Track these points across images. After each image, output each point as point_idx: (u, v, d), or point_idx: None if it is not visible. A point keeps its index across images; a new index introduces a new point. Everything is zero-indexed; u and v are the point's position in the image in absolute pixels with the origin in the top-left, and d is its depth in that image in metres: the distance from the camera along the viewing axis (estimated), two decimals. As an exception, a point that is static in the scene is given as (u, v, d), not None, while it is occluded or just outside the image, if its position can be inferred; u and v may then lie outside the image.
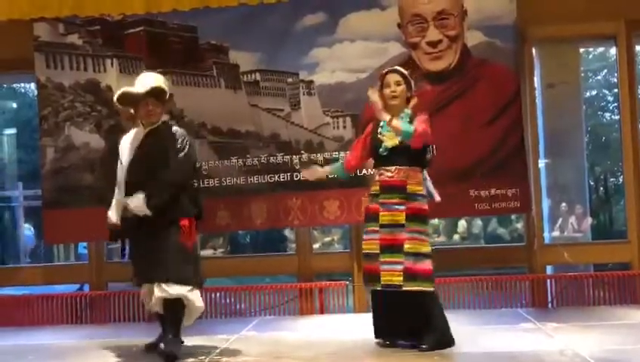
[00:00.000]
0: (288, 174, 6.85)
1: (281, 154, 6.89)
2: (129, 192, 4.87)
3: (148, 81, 4.94)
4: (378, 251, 4.77)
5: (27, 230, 13.17)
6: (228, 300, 7.18)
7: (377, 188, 4.83)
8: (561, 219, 10.20)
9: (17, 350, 5.68)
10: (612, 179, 16.97)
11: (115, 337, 6.00)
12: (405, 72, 4.93)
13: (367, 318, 6.55)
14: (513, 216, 11.49)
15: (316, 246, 8.95)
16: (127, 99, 4.98)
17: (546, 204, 7.92)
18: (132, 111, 5.05)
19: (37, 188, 8.75)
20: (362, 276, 5.08)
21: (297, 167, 6.82)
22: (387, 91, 4.85)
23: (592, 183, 15.65)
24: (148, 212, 4.76)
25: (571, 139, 9.98)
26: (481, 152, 6.59)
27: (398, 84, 4.83)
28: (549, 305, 6.79)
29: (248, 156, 6.92)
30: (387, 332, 4.92)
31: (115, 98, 5.02)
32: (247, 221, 6.98)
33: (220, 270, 7.33)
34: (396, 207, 4.72)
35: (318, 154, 6.82)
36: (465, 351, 4.72)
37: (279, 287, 7.23)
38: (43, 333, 6.52)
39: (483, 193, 6.53)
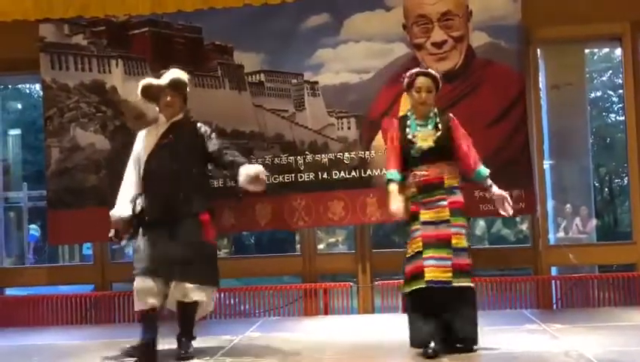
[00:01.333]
0: (293, 175, 6.85)
1: (286, 155, 6.89)
2: (152, 182, 4.84)
3: (170, 74, 4.96)
4: (421, 249, 4.50)
5: (33, 230, 13.20)
6: (232, 301, 7.19)
7: (415, 189, 4.60)
8: (565, 221, 10.18)
9: (22, 350, 5.69)
10: (617, 181, 16.95)
11: (119, 338, 6.01)
12: (438, 75, 4.73)
13: (371, 319, 6.57)
14: (518, 218, 11.46)
15: (321, 246, 8.94)
16: (148, 91, 4.97)
17: (550, 205, 7.91)
18: (155, 106, 5.03)
19: (42, 189, 8.78)
20: (405, 279, 4.62)
21: (302, 168, 6.82)
22: (417, 96, 4.64)
23: (596, 184, 15.63)
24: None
25: (576, 140, 9.97)
26: (485, 153, 6.48)
27: (429, 90, 4.63)
28: (554, 306, 6.78)
29: (253, 157, 6.90)
30: (433, 337, 4.50)
31: (138, 90, 4.99)
32: (251, 222, 6.98)
33: (224, 271, 7.28)
34: (439, 203, 4.55)
35: (323, 155, 6.82)
36: (470, 352, 4.71)
37: (284, 288, 7.24)
38: (48, 334, 6.53)
39: (488, 194, 6.50)
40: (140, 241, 4.87)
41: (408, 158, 4.65)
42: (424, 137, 4.61)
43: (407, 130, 4.66)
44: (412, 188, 4.62)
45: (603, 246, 8.41)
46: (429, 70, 4.79)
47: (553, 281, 6.89)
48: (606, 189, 17.15)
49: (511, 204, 4.74)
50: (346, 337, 5.61)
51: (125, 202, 4.93)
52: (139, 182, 4.95)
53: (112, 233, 5.04)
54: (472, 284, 4.57)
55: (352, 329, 6.03)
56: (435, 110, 4.70)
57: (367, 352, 4.91)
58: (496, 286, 6.83)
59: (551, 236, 7.61)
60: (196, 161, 4.94)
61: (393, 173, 4.64)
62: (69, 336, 6.30)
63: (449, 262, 4.47)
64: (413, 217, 4.61)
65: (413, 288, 4.51)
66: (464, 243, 4.56)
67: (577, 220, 10.16)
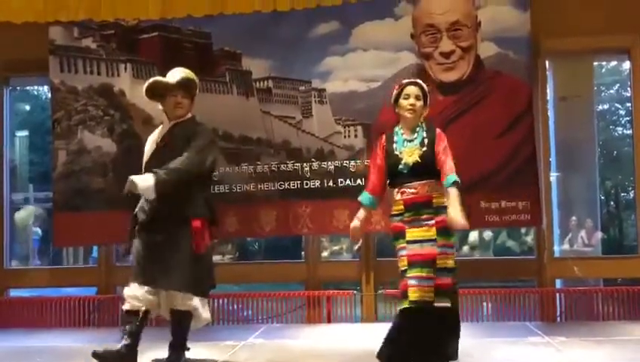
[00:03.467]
0: (298, 182, 6.86)
1: (292, 161, 6.90)
2: None
3: (178, 73, 4.86)
4: (406, 267, 4.44)
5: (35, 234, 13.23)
6: (235, 307, 7.19)
7: (401, 207, 4.52)
8: (571, 233, 10.16)
9: (25, 351, 5.71)
10: (623, 194, 16.88)
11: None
12: (426, 87, 4.70)
13: (375, 328, 6.54)
14: (523, 229, 11.43)
15: (325, 254, 8.93)
16: (156, 89, 4.84)
17: (556, 217, 7.89)
18: (159, 105, 4.92)
19: (48, 191, 8.80)
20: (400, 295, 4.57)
21: (308, 175, 6.83)
22: (405, 103, 4.59)
23: (602, 197, 15.57)
24: (153, 195, 4.52)
25: (583, 153, 9.96)
26: (492, 164, 6.58)
27: (418, 98, 4.60)
28: (558, 319, 6.76)
29: (259, 163, 6.93)
30: (405, 358, 4.49)
31: (144, 88, 4.87)
32: (256, 228, 6.98)
33: (227, 276, 7.32)
34: (426, 222, 4.46)
35: (329, 163, 6.83)
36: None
37: (287, 295, 7.24)
38: (51, 335, 6.54)
39: (493, 205, 6.51)
40: (134, 244, 4.77)
41: (395, 174, 4.58)
42: (410, 152, 4.55)
43: (394, 145, 4.61)
44: (398, 205, 4.55)
45: (608, 260, 8.37)
46: (418, 80, 4.75)
47: (557, 294, 6.87)
48: (612, 202, 17.09)
49: (461, 222, 4.43)
50: (349, 345, 5.60)
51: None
52: None
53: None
54: (449, 305, 4.48)
55: (355, 338, 6.02)
56: (423, 124, 4.64)
57: (370, 361, 4.89)
58: (500, 298, 6.82)
59: (556, 248, 7.59)
60: None
61: (364, 197, 4.62)
62: (72, 339, 6.32)
63: (432, 282, 4.41)
64: (399, 235, 4.53)
65: (401, 307, 4.47)
66: (450, 263, 4.50)
67: (582, 233, 10.13)
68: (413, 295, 4.39)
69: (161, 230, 4.64)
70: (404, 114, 4.61)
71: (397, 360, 4.53)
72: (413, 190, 4.52)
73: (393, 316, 4.62)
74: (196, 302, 4.69)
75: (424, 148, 4.55)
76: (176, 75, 4.86)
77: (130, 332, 4.66)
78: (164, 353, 4.84)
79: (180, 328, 4.75)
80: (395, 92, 4.66)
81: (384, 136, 4.69)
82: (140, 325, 4.69)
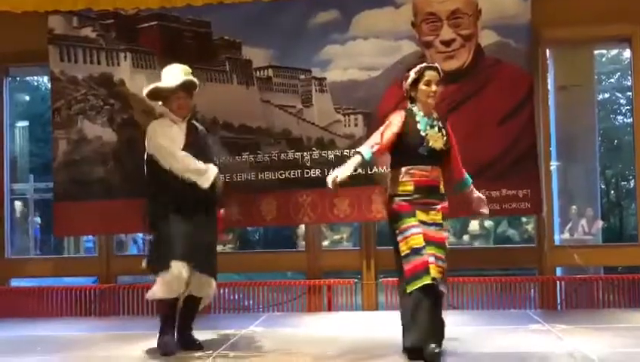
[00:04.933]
0: (299, 171, 6.84)
1: (292, 150, 6.88)
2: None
3: (178, 74, 4.90)
4: (423, 244, 4.34)
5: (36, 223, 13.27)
6: (236, 296, 7.19)
7: (410, 188, 4.45)
8: (571, 222, 10.16)
9: (27, 340, 5.72)
10: (623, 183, 16.89)
11: (122, 330, 6.03)
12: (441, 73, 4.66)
13: (375, 316, 6.57)
14: (524, 218, 11.44)
15: (325, 243, 8.94)
16: (158, 94, 4.96)
17: (556, 206, 7.88)
18: (160, 104, 5.01)
19: (48, 181, 8.79)
20: (407, 278, 4.37)
21: (308, 164, 6.82)
22: (426, 89, 4.53)
23: (603, 186, 15.58)
24: (207, 185, 4.79)
25: (583, 142, 9.97)
26: (492, 153, 6.57)
27: (437, 84, 4.56)
28: (559, 306, 6.77)
29: (259, 152, 6.92)
30: (436, 336, 4.39)
31: (145, 93, 4.99)
32: (257, 217, 6.98)
33: (229, 266, 7.32)
34: (434, 206, 4.46)
35: (329, 152, 6.82)
36: (473, 352, 4.71)
37: (288, 284, 7.25)
38: (52, 325, 6.55)
39: (494, 193, 6.50)
40: (174, 226, 4.77)
41: (409, 154, 4.48)
42: (435, 138, 4.52)
43: (418, 125, 4.53)
44: (407, 186, 4.49)
45: (609, 248, 8.38)
46: (437, 65, 4.70)
47: (558, 282, 6.87)
48: (612, 191, 17.10)
49: (486, 204, 4.77)
50: (350, 333, 5.61)
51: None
52: None
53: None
54: (445, 291, 4.50)
55: (356, 326, 6.03)
56: (434, 112, 4.63)
57: (371, 349, 4.90)
58: (500, 287, 6.82)
59: (556, 237, 7.59)
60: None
61: (366, 151, 4.41)
62: (73, 328, 6.32)
63: (445, 264, 4.42)
64: (406, 214, 4.44)
65: (419, 285, 4.32)
66: (446, 248, 4.54)
67: (583, 221, 10.14)
68: (434, 271, 4.32)
69: (204, 216, 4.86)
70: (425, 100, 4.56)
71: (419, 342, 4.38)
72: (425, 173, 4.49)
73: (402, 298, 4.47)
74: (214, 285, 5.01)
75: (445, 138, 4.56)
76: (176, 76, 4.90)
77: (169, 319, 4.89)
78: (153, 343, 4.93)
79: (195, 312, 5.03)
80: (412, 75, 4.57)
81: (404, 111, 4.60)
82: (175, 310, 4.93)
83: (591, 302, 6.72)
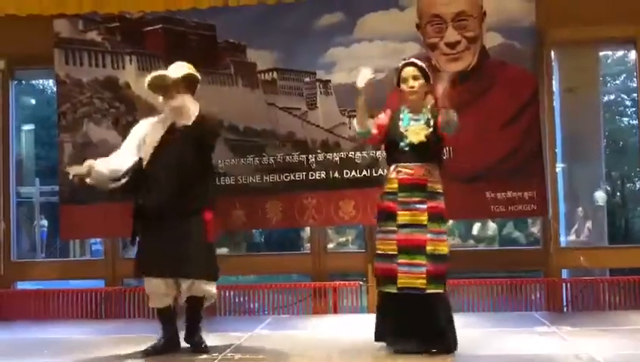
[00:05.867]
0: (304, 173, 6.85)
1: (297, 153, 6.88)
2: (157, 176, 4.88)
3: (181, 68, 4.92)
4: (395, 252, 4.50)
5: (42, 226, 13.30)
6: (241, 298, 7.19)
7: (395, 186, 4.55)
8: (577, 224, 10.13)
9: (33, 343, 5.74)
10: (629, 185, 16.85)
11: (129, 333, 6.04)
12: (423, 64, 4.67)
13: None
14: (529, 220, 11.41)
15: (331, 246, 8.93)
16: (159, 81, 4.89)
17: (562, 208, 7.87)
18: (160, 98, 4.98)
19: (54, 185, 8.80)
20: (375, 277, 4.80)
21: (313, 167, 6.83)
22: (405, 87, 4.61)
23: (608, 188, 15.54)
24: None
25: (589, 144, 9.92)
26: (498, 155, 6.56)
27: (415, 78, 4.58)
28: (564, 308, 6.75)
29: (264, 155, 6.92)
30: (393, 335, 4.68)
31: (147, 80, 4.93)
32: (262, 220, 6.98)
33: (233, 268, 7.34)
34: (417, 206, 4.48)
35: (334, 154, 6.82)
36: (479, 354, 4.71)
37: (293, 286, 7.25)
38: (58, 327, 6.56)
39: (500, 195, 6.50)
40: (143, 238, 4.91)
41: (394, 152, 4.60)
42: (416, 131, 4.55)
43: (400, 122, 4.61)
44: (392, 184, 4.57)
45: (614, 250, 8.35)
46: (413, 59, 4.76)
47: (564, 284, 6.86)
48: (618, 193, 17.05)
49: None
50: (355, 336, 5.60)
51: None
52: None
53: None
54: (441, 291, 4.52)
55: (361, 328, 6.01)
56: (429, 106, 4.64)
57: (376, 351, 4.90)
58: (506, 288, 6.81)
59: (562, 239, 7.57)
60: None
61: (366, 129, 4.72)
62: (80, 331, 6.33)
63: (423, 269, 4.43)
64: (389, 215, 4.55)
65: (385, 290, 4.57)
66: (443, 249, 4.51)
67: (589, 224, 10.10)
68: (402, 281, 4.45)
69: (172, 222, 4.79)
70: (407, 97, 4.63)
71: (390, 337, 4.67)
72: (409, 170, 4.52)
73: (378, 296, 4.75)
74: (213, 286, 4.96)
75: (430, 129, 4.54)
76: (179, 69, 4.91)
77: (170, 322, 5.01)
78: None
79: (198, 312, 5.03)
80: (395, 78, 4.70)
81: (390, 110, 4.74)
82: (173, 314, 5.04)
83: (597, 304, 6.70)
